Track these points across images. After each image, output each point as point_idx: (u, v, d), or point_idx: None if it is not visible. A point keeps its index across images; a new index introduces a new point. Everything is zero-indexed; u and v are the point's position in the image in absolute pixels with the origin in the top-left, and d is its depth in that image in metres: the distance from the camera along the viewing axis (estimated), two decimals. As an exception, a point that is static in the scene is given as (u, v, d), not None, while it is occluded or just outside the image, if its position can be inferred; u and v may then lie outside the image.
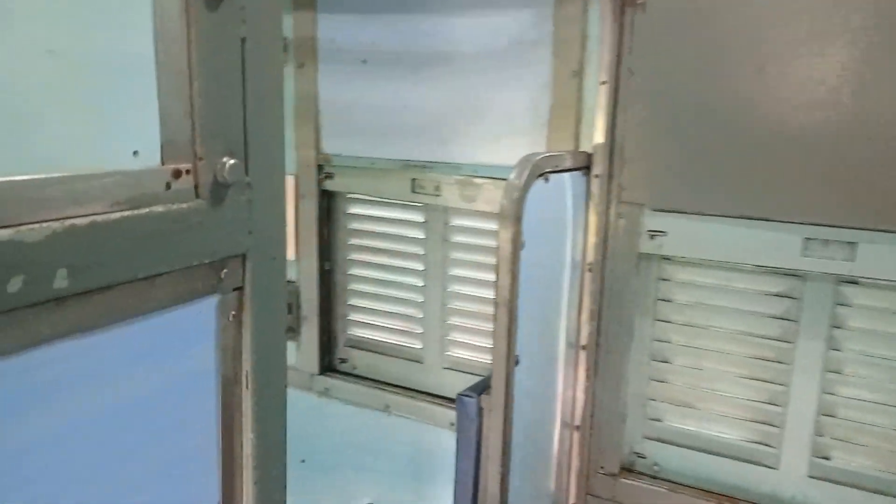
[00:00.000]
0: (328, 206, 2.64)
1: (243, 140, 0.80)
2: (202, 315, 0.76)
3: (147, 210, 0.69)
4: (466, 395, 1.73)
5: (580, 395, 2.12)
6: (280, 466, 0.96)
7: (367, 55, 2.43)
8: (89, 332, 0.64)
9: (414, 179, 2.44)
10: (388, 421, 2.61)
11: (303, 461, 2.83)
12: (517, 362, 1.72)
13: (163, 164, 0.75)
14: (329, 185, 2.59)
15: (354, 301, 2.70)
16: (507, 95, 2.22)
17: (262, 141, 0.82)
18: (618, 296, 2.05)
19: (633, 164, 1.97)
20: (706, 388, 2.06)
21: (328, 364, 2.75)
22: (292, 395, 2.78)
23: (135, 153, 0.77)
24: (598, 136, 1.98)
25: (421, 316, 2.58)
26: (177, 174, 0.73)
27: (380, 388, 2.63)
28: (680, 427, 2.11)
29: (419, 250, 2.54)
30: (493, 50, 2.22)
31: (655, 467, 2.14)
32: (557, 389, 2.06)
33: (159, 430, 0.75)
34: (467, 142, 2.32)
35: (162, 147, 0.75)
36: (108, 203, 0.66)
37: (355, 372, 2.73)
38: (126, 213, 0.67)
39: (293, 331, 2.73)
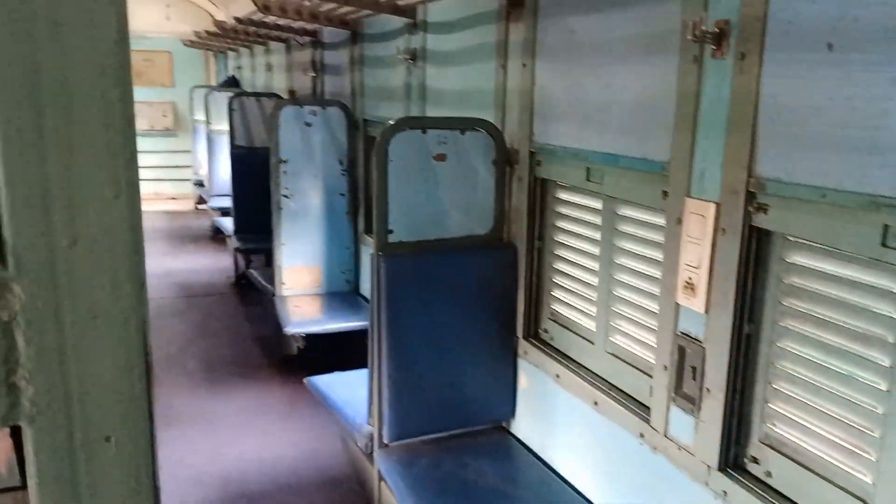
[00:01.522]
0: (758, 250, 1.91)
1: None
2: None
3: None
4: None
5: None
6: None
7: (836, 37, 1.63)
8: None
9: (887, 227, 1.55)
10: (801, 571, 1.78)
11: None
12: None
13: None
14: (761, 220, 1.86)
15: (782, 385, 1.91)
16: None
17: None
18: None
19: None
20: None
21: (733, 459, 2.03)
22: (684, 483, 2.16)
23: None
24: None
25: (877, 434, 1.66)
26: None
27: (799, 520, 1.81)
28: None
29: (889, 336, 1.62)
30: None
31: None
32: None
33: None
34: None
35: None
36: None
37: (769, 482, 1.95)
38: None
39: (692, 402, 2.10)
